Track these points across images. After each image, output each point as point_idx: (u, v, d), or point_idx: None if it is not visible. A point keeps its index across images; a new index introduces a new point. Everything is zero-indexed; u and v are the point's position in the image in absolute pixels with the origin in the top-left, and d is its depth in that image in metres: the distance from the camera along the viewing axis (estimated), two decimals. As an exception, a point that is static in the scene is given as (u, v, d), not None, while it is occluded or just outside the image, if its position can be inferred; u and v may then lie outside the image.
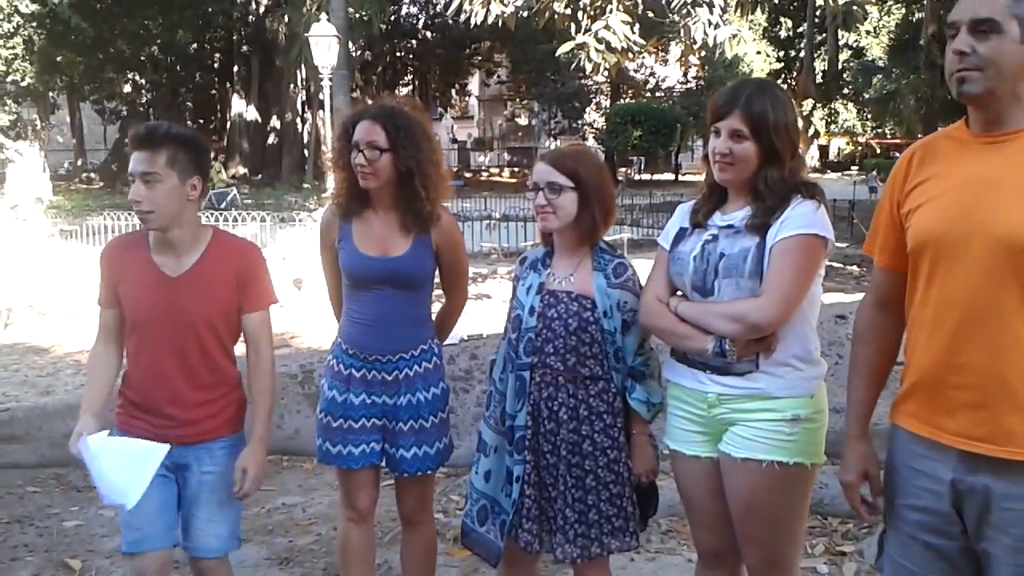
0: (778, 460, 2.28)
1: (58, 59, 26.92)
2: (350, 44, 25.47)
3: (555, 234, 2.62)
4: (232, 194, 22.91)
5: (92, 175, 39.24)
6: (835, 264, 12.32)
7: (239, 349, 2.73)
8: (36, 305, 10.22)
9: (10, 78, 24.32)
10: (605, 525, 2.54)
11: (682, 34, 9.10)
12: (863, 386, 2.14)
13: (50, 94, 31.42)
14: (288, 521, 4.27)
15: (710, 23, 7.59)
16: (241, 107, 39.09)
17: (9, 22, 23.07)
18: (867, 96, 40.10)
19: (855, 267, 12.88)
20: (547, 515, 2.58)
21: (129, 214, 16.00)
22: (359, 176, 2.75)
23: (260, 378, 2.66)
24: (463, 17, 7.86)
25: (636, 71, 42.90)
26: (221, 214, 16.98)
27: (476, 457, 2.73)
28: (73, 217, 19.41)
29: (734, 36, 7.62)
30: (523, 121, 57.82)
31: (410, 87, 51.40)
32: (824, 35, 44.57)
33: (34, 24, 24.12)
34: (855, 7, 30.92)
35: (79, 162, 41.84)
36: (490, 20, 7.70)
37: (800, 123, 2.52)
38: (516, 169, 49.92)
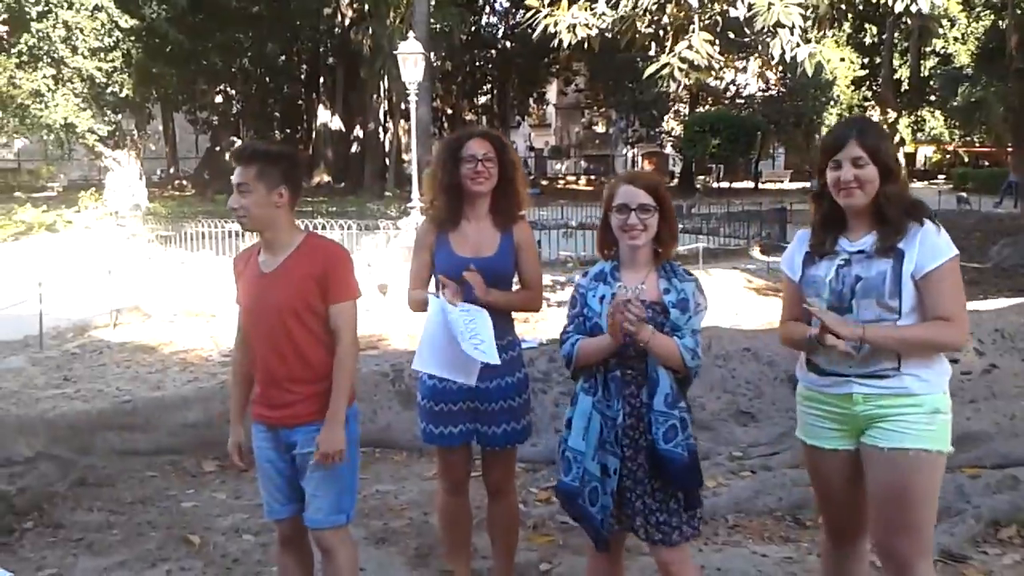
0: (923, 448, 2.58)
1: (154, 71, 28.12)
2: (432, 55, 26.08)
3: (632, 250, 2.89)
4: None
5: (184, 182, 40.89)
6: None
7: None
8: (142, 307, 10.91)
9: (110, 90, 25.54)
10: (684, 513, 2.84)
11: (760, 50, 9.19)
12: None
13: (146, 105, 32.86)
14: (382, 506, 4.65)
15: (788, 41, 7.73)
16: (326, 117, 40.29)
17: (109, 36, 24.24)
18: (954, 104, 39.12)
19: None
20: (629, 501, 2.83)
21: (223, 221, 16.79)
22: (472, 183, 3.28)
23: (337, 362, 2.93)
24: (552, 43, 8.19)
25: (716, 79, 42.65)
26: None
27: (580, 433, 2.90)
28: (169, 223, 20.33)
29: (812, 55, 7.74)
30: (600, 129, 57.98)
31: (489, 96, 52.09)
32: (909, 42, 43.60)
33: (132, 38, 25.28)
34: (933, 21, 30.16)
35: (171, 170, 43.61)
36: (575, 42, 8.00)
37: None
38: (593, 177, 50.12)
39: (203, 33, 30.10)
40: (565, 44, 8.23)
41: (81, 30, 23.49)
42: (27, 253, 17.28)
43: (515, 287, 3.46)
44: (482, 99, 52.59)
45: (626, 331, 2.69)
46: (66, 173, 42.57)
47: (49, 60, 23.94)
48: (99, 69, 24.20)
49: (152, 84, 29.78)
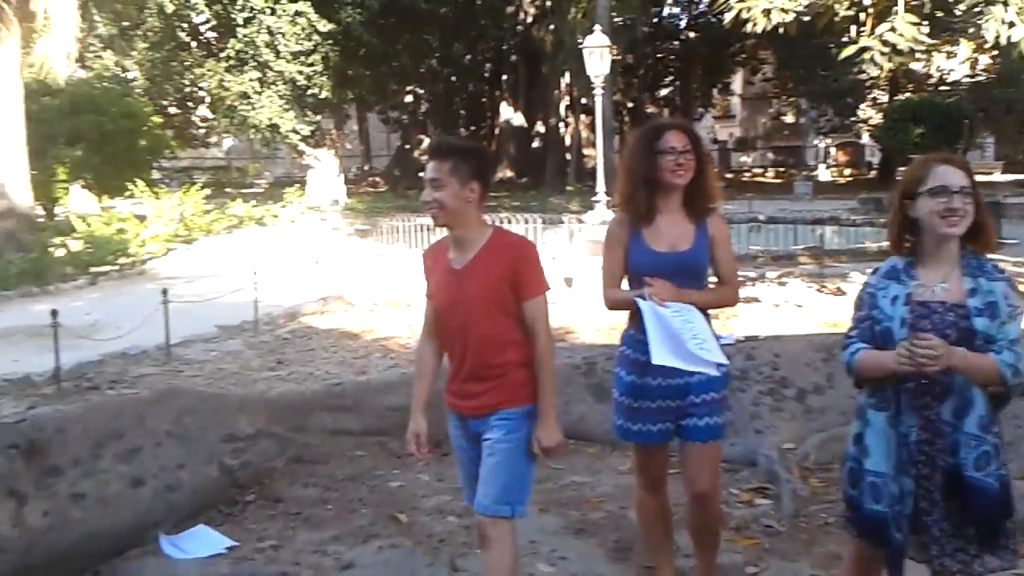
0: None
1: (349, 73, 29.55)
2: (614, 49, 26.02)
3: (941, 241, 2.56)
4: None
5: (377, 179, 42.77)
6: None
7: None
8: (346, 296, 11.55)
9: (310, 92, 27.05)
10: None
11: (971, 32, 8.60)
12: None
13: (343, 106, 34.60)
14: (579, 497, 4.70)
15: (1003, 21, 7.18)
16: (509, 113, 40.98)
17: (309, 40, 25.67)
18: None
19: None
20: (926, 526, 2.54)
21: (415, 215, 17.45)
22: (673, 175, 3.22)
23: (538, 359, 2.97)
24: (743, 29, 7.97)
25: (924, 64, 40.11)
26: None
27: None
28: (366, 217, 21.32)
29: (1030, 35, 7.15)
30: (789, 119, 55.88)
31: (671, 88, 51.34)
32: None
33: (330, 42, 26.66)
34: None
35: (365, 167, 45.74)
36: (770, 28, 7.77)
37: None
38: (782, 169, 48.41)
39: (394, 35, 31.33)
40: (759, 29, 8.00)
41: (283, 34, 25.01)
42: (240, 245, 18.59)
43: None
44: (664, 92, 51.82)
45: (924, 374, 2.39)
46: (271, 170, 45.58)
47: (254, 64, 25.63)
48: (300, 72, 25.67)
49: (348, 86, 31.31)
